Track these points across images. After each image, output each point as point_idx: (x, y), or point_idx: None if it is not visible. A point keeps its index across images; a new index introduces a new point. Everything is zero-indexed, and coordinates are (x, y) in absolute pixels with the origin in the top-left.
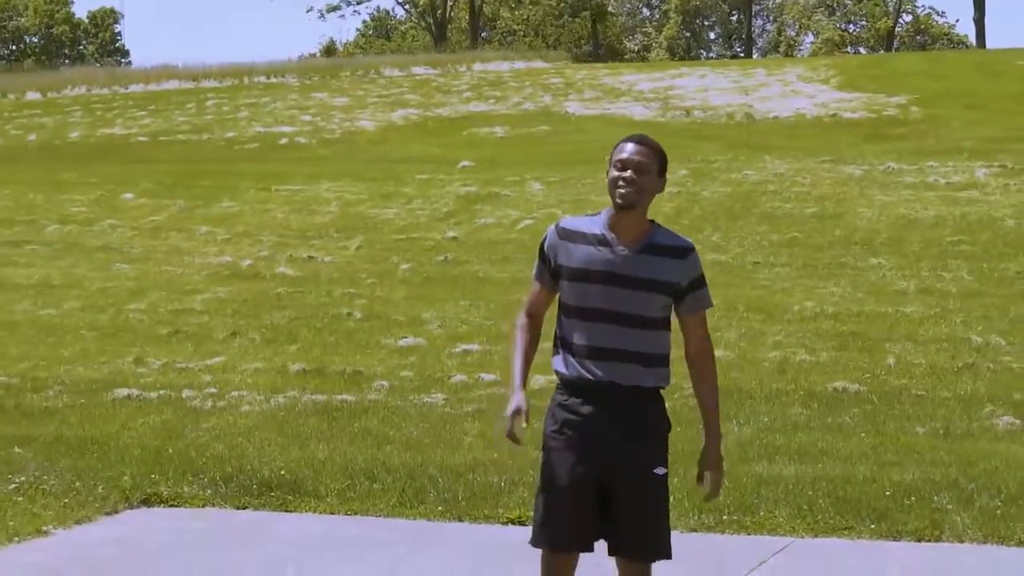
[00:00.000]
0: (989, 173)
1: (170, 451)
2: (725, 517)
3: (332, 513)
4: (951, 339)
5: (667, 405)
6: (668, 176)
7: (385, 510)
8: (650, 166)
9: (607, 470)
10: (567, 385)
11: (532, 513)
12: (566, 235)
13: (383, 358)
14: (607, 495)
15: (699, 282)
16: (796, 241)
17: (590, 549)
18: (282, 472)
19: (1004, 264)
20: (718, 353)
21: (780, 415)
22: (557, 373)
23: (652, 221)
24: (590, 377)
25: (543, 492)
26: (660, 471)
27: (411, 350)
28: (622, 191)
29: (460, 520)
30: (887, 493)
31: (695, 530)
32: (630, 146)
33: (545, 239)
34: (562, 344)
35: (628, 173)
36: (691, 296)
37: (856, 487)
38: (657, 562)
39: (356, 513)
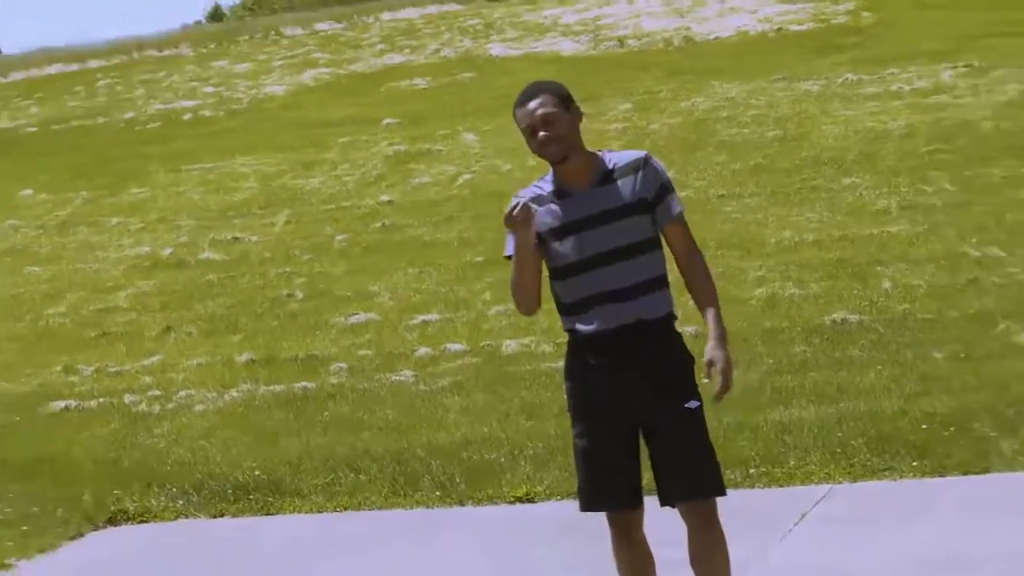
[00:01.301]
0: (956, 74)
1: (127, 463)
2: (752, 471)
3: (320, 511)
4: (947, 255)
5: None
6: (611, 111)
7: (378, 502)
8: (555, 112)
9: (635, 415)
10: (573, 341)
11: (541, 487)
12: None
13: (335, 338)
14: (645, 440)
15: (665, 189)
16: (761, 168)
17: (640, 503)
18: (256, 473)
19: (987, 169)
20: None
21: (783, 355)
22: (566, 332)
23: (596, 152)
24: (591, 326)
25: (579, 456)
26: (692, 404)
27: (364, 327)
28: (549, 151)
29: (462, 504)
30: (923, 427)
31: None
32: (526, 108)
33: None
34: (561, 306)
35: (542, 134)
36: (661, 206)
37: (887, 423)
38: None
39: (347, 508)
